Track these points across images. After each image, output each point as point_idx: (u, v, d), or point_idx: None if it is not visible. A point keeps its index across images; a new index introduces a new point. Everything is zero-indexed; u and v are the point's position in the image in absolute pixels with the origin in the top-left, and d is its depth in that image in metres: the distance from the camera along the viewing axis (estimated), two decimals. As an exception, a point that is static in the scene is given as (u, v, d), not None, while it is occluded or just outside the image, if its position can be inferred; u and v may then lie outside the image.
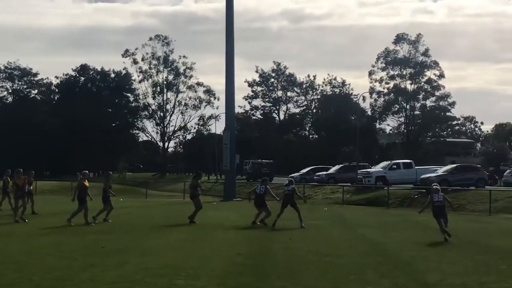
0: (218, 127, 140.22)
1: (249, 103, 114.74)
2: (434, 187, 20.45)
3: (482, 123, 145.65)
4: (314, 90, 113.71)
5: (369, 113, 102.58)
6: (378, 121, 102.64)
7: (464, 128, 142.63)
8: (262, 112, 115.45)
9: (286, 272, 12.51)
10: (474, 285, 11.40)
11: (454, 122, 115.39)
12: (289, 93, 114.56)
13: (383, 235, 19.92)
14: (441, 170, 48.50)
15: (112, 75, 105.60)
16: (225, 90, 48.29)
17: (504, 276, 12.49)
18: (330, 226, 23.14)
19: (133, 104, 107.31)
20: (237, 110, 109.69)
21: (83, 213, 22.25)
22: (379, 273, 12.57)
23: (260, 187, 23.36)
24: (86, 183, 22.74)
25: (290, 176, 64.03)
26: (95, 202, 23.17)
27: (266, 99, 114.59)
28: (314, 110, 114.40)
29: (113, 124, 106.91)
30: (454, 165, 50.77)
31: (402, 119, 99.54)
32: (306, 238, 18.91)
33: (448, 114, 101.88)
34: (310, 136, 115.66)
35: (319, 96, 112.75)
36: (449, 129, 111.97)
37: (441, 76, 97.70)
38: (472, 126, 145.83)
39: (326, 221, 25.34)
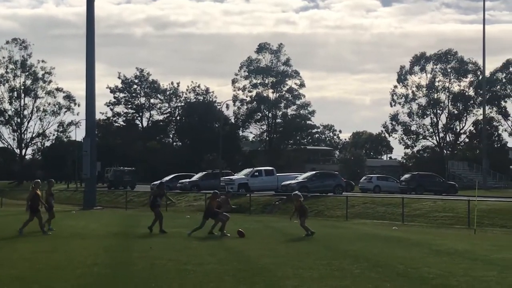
0: (78, 133, 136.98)
1: (111, 109, 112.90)
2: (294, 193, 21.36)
3: (340, 131, 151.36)
4: (178, 97, 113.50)
5: (233, 120, 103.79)
6: (241, 128, 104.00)
7: (323, 136, 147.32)
8: (125, 118, 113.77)
9: (144, 281, 12.26)
10: (329, 289, 11.66)
11: (314, 130, 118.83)
12: (152, 100, 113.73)
13: (243, 242, 20.06)
14: (301, 177, 49.76)
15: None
16: (86, 96, 47.12)
17: (357, 280, 12.87)
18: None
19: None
20: (99, 116, 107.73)
21: (38, 223, 21.96)
22: (237, 280, 12.61)
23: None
24: (39, 192, 22.10)
25: (152, 183, 63.74)
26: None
27: (129, 106, 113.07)
28: (178, 117, 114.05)
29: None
30: (314, 172, 52.27)
31: (264, 127, 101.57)
32: (167, 247, 18.70)
33: (308, 122, 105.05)
34: (174, 144, 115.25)
35: (183, 103, 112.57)
36: (309, 137, 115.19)
37: (302, 85, 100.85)
38: (331, 134, 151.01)
39: (188, 229, 25.19)
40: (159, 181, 62.13)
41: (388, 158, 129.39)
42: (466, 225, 30.90)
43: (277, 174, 52.92)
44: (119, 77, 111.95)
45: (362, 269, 14.52)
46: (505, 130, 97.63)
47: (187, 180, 59.94)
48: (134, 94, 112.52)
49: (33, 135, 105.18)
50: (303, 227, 22.31)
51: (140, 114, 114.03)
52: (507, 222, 32.16)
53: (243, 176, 52.98)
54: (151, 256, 16.55)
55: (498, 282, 12.84)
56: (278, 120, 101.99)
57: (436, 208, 36.91)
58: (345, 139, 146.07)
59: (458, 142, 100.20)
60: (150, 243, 19.39)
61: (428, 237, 23.79)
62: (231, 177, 55.27)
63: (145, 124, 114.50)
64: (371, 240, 22.20)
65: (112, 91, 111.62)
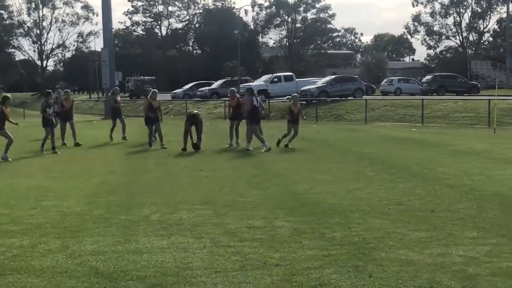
0: (98, 43, 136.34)
1: (130, 18, 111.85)
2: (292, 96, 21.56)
3: (362, 34, 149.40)
4: (196, 4, 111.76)
5: (252, 27, 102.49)
6: (260, 35, 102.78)
7: (345, 39, 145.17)
8: (143, 28, 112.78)
9: (159, 188, 12.40)
10: (340, 192, 11.71)
11: (335, 34, 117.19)
12: (170, 8, 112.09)
13: (258, 147, 20.10)
14: (320, 81, 49.37)
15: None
16: (102, 5, 46.64)
17: (370, 182, 12.91)
18: (208, 140, 23.02)
19: (7, 22, 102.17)
20: (118, 26, 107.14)
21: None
22: (251, 185, 12.71)
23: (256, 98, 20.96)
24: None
25: (173, 92, 63.81)
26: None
27: (147, 15, 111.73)
28: (197, 25, 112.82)
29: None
30: (333, 77, 51.76)
31: (284, 32, 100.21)
32: (184, 154, 18.89)
33: (329, 26, 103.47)
34: (194, 52, 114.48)
35: (201, 11, 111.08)
36: (330, 41, 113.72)
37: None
38: (352, 37, 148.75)
39: (206, 136, 25.31)
40: (176, 91, 62.22)
41: (410, 60, 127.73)
42: (486, 125, 30.66)
43: (297, 80, 52.53)
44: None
45: (377, 171, 14.56)
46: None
47: (207, 88, 59.79)
48: (152, 2, 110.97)
49: (54, 46, 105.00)
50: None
51: (159, 22, 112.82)
52: (528, 121, 31.87)
53: (263, 83, 52.71)
54: (167, 163, 16.73)
55: (512, 181, 12.80)
56: (298, 25, 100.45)
57: (457, 108, 36.59)
58: (367, 42, 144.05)
59: (481, 41, 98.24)
60: (169, 151, 19.59)
61: (447, 138, 23.71)
62: (250, 83, 55.02)
63: (164, 32, 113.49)
64: (388, 142, 22.20)
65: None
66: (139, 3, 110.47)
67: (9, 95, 19.37)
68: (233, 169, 15.37)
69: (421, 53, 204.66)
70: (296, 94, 24.13)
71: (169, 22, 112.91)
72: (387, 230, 8.57)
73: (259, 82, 54.06)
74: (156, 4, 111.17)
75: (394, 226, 8.85)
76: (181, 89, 64.61)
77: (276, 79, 52.00)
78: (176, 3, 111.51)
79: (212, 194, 11.53)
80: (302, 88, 47.64)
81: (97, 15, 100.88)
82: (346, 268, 6.80)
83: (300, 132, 21.39)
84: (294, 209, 10.06)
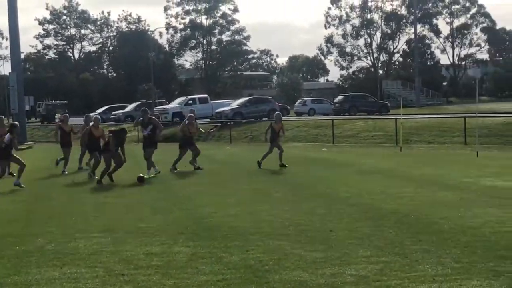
0: (8, 68, 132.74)
1: (41, 42, 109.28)
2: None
3: (277, 55, 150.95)
4: (109, 27, 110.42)
5: (167, 49, 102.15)
6: (176, 57, 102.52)
7: (261, 61, 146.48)
8: (55, 51, 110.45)
9: (58, 216, 12.08)
10: (244, 214, 11.73)
11: (250, 56, 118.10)
12: (83, 31, 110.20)
13: (168, 171, 19.95)
14: (235, 103, 49.65)
15: None
16: (9, 29, 45.53)
17: (276, 203, 12.99)
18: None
19: None
20: (29, 49, 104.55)
21: None
22: (155, 210, 12.58)
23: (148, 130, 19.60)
24: None
25: (86, 115, 62.55)
26: None
27: (59, 38, 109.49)
28: (111, 48, 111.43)
29: None
30: (247, 98, 52.18)
31: (199, 54, 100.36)
32: (87, 181, 18.53)
33: (245, 48, 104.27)
34: (109, 75, 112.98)
35: (115, 33, 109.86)
36: (246, 63, 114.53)
37: (236, 10, 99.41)
38: (268, 59, 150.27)
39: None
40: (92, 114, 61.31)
41: (325, 81, 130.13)
42: (394, 143, 31.48)
43: (212, 102, 52.62)
44: (47, 8, 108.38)
45: (283, 192, 14.69)
46: (438, 48, 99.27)
47: (121, 111, 59.03)
48: (63, 26, 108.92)
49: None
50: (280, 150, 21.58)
51: (71, 45, 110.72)
52: (434, 138, 32.90)
53: (177, 105, 52.52)
54: (71, 190, 16.38)
55: (412, 198, 13.13)
56: (213, 47, 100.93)
57: (367, 128, 37.42)
58: (283, 64, 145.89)
59: (392, 61, 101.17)
60: (73, 177, 19.20)
61: (354, 157, 24.21)
62: (165, 106, 54.76)
63: (77, 55, 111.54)
64: (298, 162, 22.46)
65: (41, 23, 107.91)
66: (50, 26, 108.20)
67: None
68: (138, 194, 15.20)
69: (335, 74, 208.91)
70: (279, 112, 23.89)
71: (81, 45, 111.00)
72: (284, 252, 8.62)
73: (174, 104, 53.83)
74: (68, 27, 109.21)
75: (292, 247, 8.90)
76: (94, 113, 63.56)
77: (190, 101, 51.82)
78: (89, 26, 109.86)
79: (114, 221, 11.32)
80: (217, 110, 47.77)
81: (6, 39, 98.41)
82: (238, 293, 6.79)
83: (212, 155, 21.42)
84: (195, 234, 9.99)
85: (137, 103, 61.97)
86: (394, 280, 7.12)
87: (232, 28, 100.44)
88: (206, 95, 55.38)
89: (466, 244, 8.77)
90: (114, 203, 13.65)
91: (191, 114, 21.95)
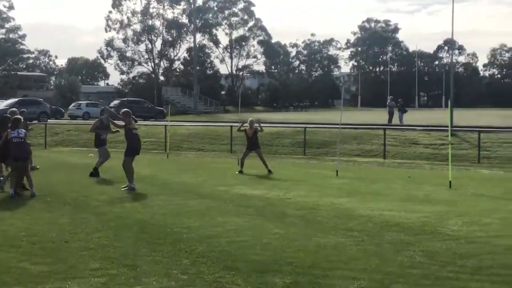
0: None
1: None
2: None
3: (56, 57, 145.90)
4: None
5: None
6: None
7: (38, 62, 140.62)
8: None
9: None
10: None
11: (27, 56, 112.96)
12: None
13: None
14: (3, 104, 46.99)
15: None
16: None
17: (20, 211, 12.25)
18: None
19: None
20: None
21: None
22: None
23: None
24: None
25: None
26: None
27: None
28: None
29: None
30: (16, 99, 49.76)
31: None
32: None
33: (22, 47, 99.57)
34: None
35: None
36: (21, 63, 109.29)
37: (11, 7, 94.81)
38: (47, 59, 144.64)
39: None
40: None
41: (105, 84, 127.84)
42: (164, 149, 31.49)
43: (-22, 102, 49.37)
44: None
45: (36, 200, 13.85)
46: (217, 57, 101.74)
47: None
48: None
49: None
50: None
51: None
52: (204, 145, 33.48)
53: None
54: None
55: (162, 207, 13.03)
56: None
57: (140, 134, 37.04)
58: (62, 65, 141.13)
59: (173, 68, 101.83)
60: None
61: (118, 163, 23.73)
62: None
63: None
64: (58, 169, 21.64)
65: None
66: None
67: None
68: None
69: (115, 78, 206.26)
70: (252, 118, 21.71)
71: None
72: (9, 265, 8.07)
73: None
74: None
75: (19, 260, 8.39)
76: None
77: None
78: None
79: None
80: (-18, 112, 44.82)
81: None
82: None
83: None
84: None
85: None
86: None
87: (7, 25, 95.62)
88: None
89: (199, 254, 8.76)
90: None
91: None
